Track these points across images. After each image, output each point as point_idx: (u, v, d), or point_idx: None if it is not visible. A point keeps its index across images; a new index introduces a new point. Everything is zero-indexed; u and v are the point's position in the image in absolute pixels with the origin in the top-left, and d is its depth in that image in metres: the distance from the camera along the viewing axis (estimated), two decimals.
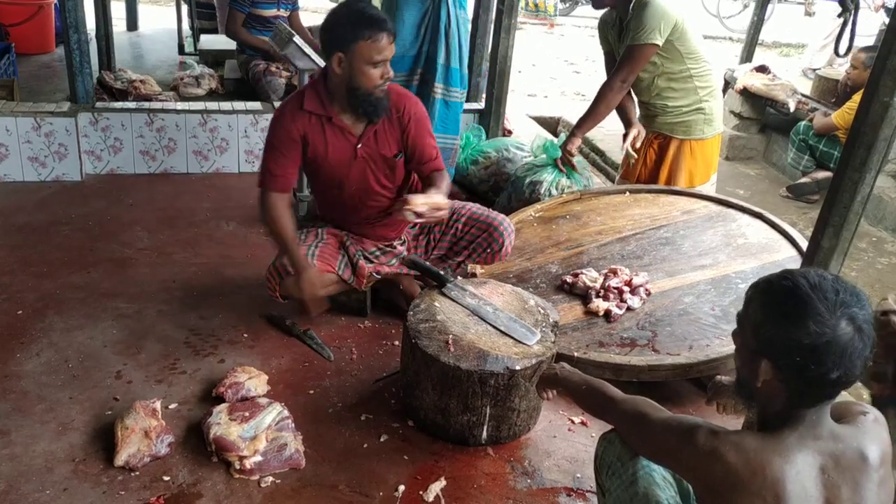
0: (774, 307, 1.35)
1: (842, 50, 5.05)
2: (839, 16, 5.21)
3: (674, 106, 3.39)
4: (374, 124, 2.65)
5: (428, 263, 2.75)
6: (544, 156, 3.81)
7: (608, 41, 3.48)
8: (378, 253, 2.89)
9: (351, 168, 2.68)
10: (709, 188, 3.63)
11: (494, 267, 3.06)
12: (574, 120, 5.77)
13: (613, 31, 3.40)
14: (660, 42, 3.17)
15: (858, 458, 1.35)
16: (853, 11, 4.87)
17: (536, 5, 10.82)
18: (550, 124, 5.92)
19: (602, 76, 3.57)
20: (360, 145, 2.66)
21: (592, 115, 3.43)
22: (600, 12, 3.51)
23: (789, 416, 1.37)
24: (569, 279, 2.94)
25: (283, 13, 5.24)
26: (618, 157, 4.33)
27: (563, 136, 3.77)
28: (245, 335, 2.84)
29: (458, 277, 2.68)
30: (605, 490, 1.75)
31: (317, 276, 2.65)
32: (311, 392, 2.56)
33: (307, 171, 2.80)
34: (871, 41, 6.34)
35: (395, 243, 2.94)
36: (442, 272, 2.61)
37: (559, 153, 3.67)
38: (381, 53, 2.46)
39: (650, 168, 3.63)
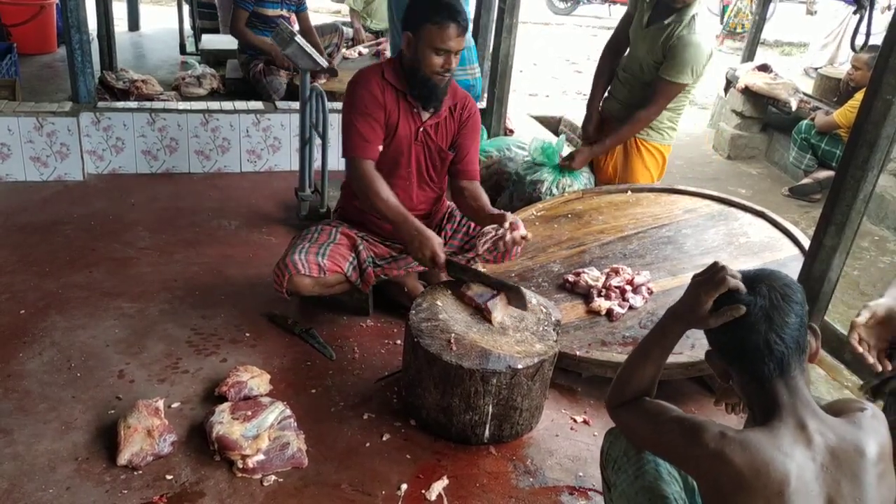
0: None
1: (858, 45, 5.06)
2: (855, 12, 5.23)
3: (634, 104, 3.45)
4: (439, 114, 2.71)
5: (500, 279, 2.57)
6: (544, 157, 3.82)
7: (636, 4, 3.46)
8: (390, 259, 2.90)
9: (411, 148, 2.73)
10: None
11: (497, 266, 3.05)
12: (576, 120, 5.82)
13: (647, 6, 3.35)
14: (691, 81, 3.27)
15: (856, 453, 1.35)
16: (869, 7, 4.88)
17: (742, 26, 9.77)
18: (552, 124, 5.91)
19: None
20: (422, 129, 2.71)
21: (616, 141, 3.55)
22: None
23: (765, 400, 1.42)
24: (571, 278, 2.94)
25: (286, 13, 5.24)
26: None
27: (562, 138, 3.81)
28: (247, 334, 2.84)
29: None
30: (611, 485, 1.75)
31: (437, 239, 2.53)
32: (314, 391, 2.56)
33: None
34: (880, 39, 6.33)
35: None
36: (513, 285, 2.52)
37: (556, 156, 3.71)
38: (444, 42, 2.49)
39: (611, 170, 3.72)
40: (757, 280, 1.45)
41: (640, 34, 3.39)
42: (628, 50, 3.56)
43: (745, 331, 1.42)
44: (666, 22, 3.23)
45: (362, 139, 2.61)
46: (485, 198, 2.76)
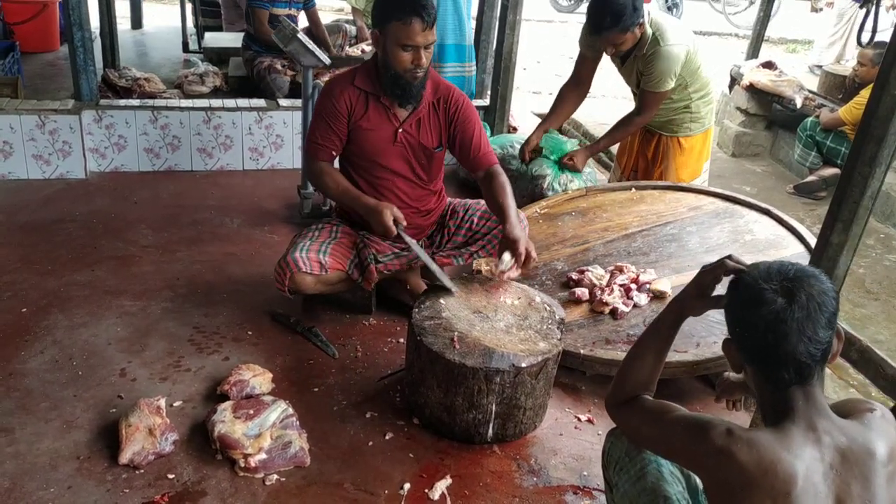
0: (729, 290, 1.50)
1: (864, 40, 5.04)
2: (861, 6, 5.22)
3: (663, 106, 3.45)
4: (418, 111, 2.67)
5: (440, 273, 2.62)
6: (543, 148, 3.82)
7: (595, 49, 3.45)
8: (391, 256, 2.88)
9: (390, 151, 2.70)
10: (700, 181, 3.69)
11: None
12: (579, 118, 5.83)
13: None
14: (673, 84, 3.31)
15: (866, 454, 1.34)
16: (875, 2, 4.86)
17: None
18: None
19: (607, 73, 3.59)
20: (401, 129, 2.68)
21: (609, 141, 3.64)
22: None
23: (778, 403, 1.39)
24: (574, 276, 2.92)
25: (294, 12, 5.24)
26: None
27: (574, 142, 3.84)
28: (249, 333, 2.83)
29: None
30: (613, 485, 1.74)
31: (389, 211, 2.58)
32: (316, 390, 2.54)
33: (347, 147, 2.75)
34: (884, 36, 6.30)
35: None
36: (449, 286, 2.51)
37: (558, 152, 3.72)
38: (410, 38, 2.45)
39: (643, 163, 3.72)
40: (797, 284, 1.37)
41: (621, 72, 3.49)
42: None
43: (774, 337, 1.36)
44: (634, 55, 3.30)
45: (315, 144, 2.71)
46: (507, 198, 2.62)
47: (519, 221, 2.57)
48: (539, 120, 5.36)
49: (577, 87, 3.64)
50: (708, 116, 3.58)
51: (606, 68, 3.60)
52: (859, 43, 5.16)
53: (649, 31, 3.20)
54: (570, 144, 3.83)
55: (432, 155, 2.78)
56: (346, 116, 2.64)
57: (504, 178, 2.71)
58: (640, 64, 3.29)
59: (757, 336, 1.39)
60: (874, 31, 4.99)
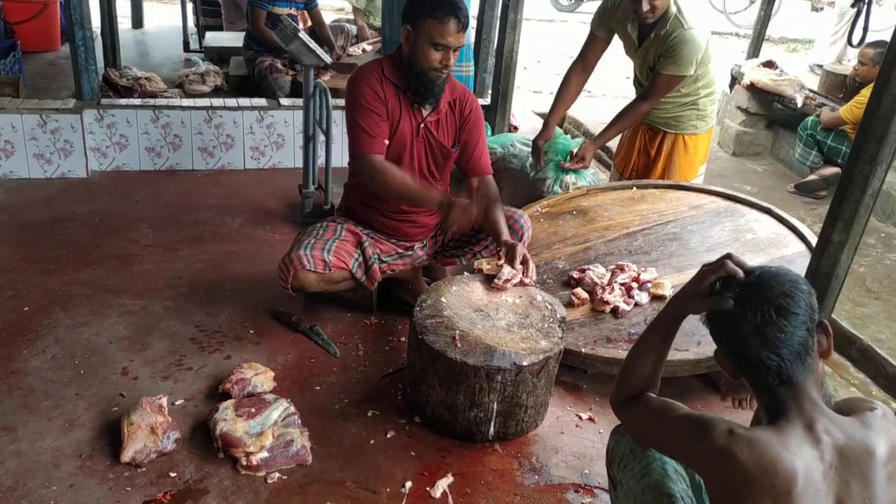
0: None
1: (855, 40, 5.04)
2: (853, 6, 5.21)
3: (670, 100, 3.41)
4: (438, 110, 2.69)
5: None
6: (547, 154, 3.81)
7: (609, 30, 3.42)
8: (395, 256, 2.89)
9: (412, 145, 2.71)
10: (696, 182, 3.66)
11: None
12: (580, 117, 5.83)
13: (630, 30, 3.32)
14: (692, 71, 3.24)
15: (865, 453, 1.34)
16: (866, 2, 4.85)
17: None
18: None
19: (607, 72, 3.58)
20: (422, 125, 2.69)
21: (616, 130, 3.52)
22: None
23: (771, 404, 1.40)
24: (576, 275, 2.92)
25: (295, 12, 5.24)
26: None
27: (578, 140, 3.82)
28: (251, 331, 2.83)
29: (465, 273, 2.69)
30: (617, 483, 1.74)
31: (464, 202, 2.55)
32: (318, 388, 2.55)
33: None
34: (881, 35, 6.31)
35: (415, 246, 2.93)
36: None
37: (563, 154, 3.69)
38: (444, 37, 2.46)
39: (644, 160, 3.67)
40: (753, 290, 1.42)
41: (636, 56, 3.42)
42: (634, 71, 3.55)
43: (737, 344, 1.42)
44: (653, 35, 3.23)
45: (367, 135, 2.58)
46: (501, 214, 2.70)
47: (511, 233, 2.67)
48: (541, 119, 5.41)
49: (583, 70, 3.58)
50: (712, 115, 3.56)
51: (609, 67, 3.60)
52: (850, 43, 5.15)
53: (673, 7, 3.13)
54: (575, 144, 3.82)
55: (448, 154, 2.79)
56: (384, 102, 2.61)
57: (497, 192, 2.78)
58: (660, 45, 3.20)
59: (726, 345, 1.47)
60: (865, 30, 4.98)
